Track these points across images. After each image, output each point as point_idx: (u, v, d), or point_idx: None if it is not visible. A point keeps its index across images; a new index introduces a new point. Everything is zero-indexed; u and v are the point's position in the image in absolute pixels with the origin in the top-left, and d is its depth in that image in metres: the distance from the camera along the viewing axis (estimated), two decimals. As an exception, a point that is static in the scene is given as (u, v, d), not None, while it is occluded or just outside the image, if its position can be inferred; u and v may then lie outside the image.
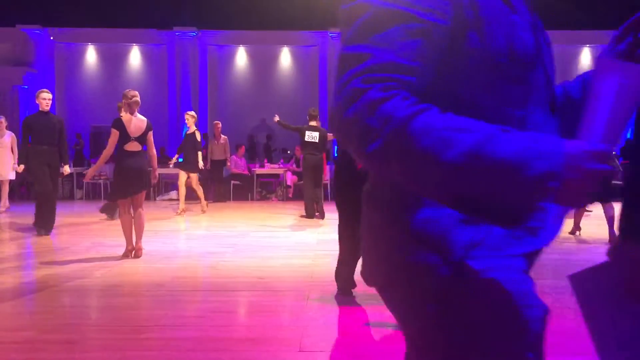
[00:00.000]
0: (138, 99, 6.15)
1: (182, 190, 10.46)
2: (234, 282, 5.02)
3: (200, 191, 10.55)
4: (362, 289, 4.34)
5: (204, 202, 10.62)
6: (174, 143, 17.57)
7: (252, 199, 13.65)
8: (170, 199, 13.59)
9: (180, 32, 17.29)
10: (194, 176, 10.37)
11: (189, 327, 3.71)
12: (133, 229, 6.06)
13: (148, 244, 6.31)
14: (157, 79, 17.69)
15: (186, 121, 10.39)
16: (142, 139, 6.11)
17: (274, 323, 3.84)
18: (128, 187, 5.96)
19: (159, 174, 13.81)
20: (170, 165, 14.46)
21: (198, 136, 10.37)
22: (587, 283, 1.28)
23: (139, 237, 6.08)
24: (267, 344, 3.40)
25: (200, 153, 10.40)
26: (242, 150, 14.08)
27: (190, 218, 10.06)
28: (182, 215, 10.20)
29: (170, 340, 3.49)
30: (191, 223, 9.44)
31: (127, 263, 5.82)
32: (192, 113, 10.44)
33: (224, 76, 18.00)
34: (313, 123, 9.82)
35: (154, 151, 6.43)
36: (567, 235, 7.60)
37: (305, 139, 9.68)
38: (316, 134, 9.70)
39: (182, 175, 10.34)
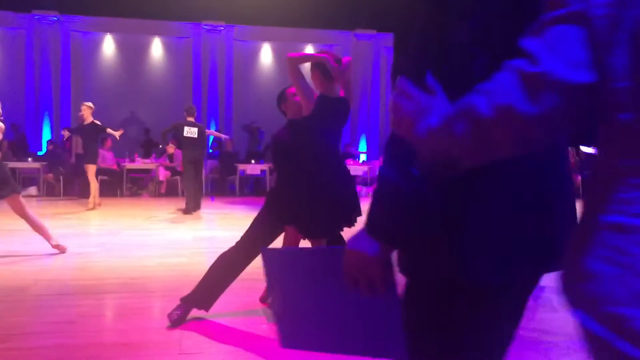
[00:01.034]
0: None
1: (93, 184, 10.14)
2: (105, 284, 4.77)
3: (94, 185, 10.20)
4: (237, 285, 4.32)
5: (97, 197, 10.25)
6: (31, 135, 16.30)
7: (121, 196, 13.04)
8: (29, 195, 12.61)
9: (39, 15, 16.03)
10: (92, 167, 10.02)
11: (57, 334, 3.47)
12: None
13: (4, 244, 5.81)
14: (13, 66, 16.28)
15: (82, 112, 10.08)
16: None
17: (150, 326, 3.70)
18: None
19: (15, 168, 12.89)
20: (30, 160, 13.44)
21: (98, 122, 10.08)
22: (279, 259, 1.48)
23: (47, 237, 5.72)
24: (144, 348, 3.27)
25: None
26: (108, 143, 13.35)
27: (54, 216, 9.40)
28: (97, 209, 10.05)
29: (36, 349, 3.24)
30: (54, 221, 8.82)
31: (-18, 267, 5.32)
32: (89, 104, 10.19)
33: (90, 65, 16.97)
34: (191, 119, 9.92)
35: None
36: None
37: (185, 134, 9.72)
38: (195, 130, 9.79)
39: (90, 169, 10.06)
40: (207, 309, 3.71)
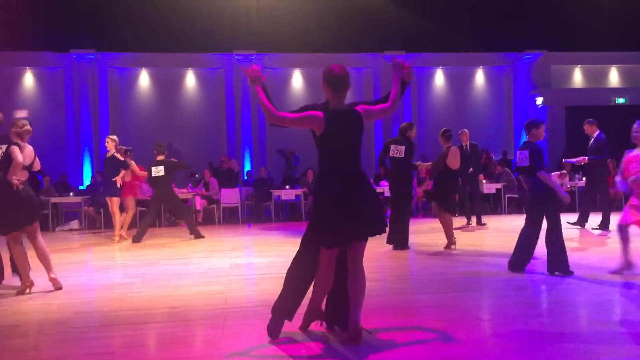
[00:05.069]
0: (29, 127, 5.86)
1: (117, 216, 10.10)
2: (145, 314, 4.78)
3: (117, 217, 10.12)
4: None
5: (118, 230, 10.15)
6: (73, 170, 16.73)
7: (159, 226, 13.21)
8: (71, 229, 12.89)
9: (77, 54, 16.57)
10: (115, 200, 10.00)
11: (98, 366, 3.47)
12: (28, 263, 5.69)
13: (44, 279, 5.87)
14: (54, 103, 16.82)
15: (106, 144, 10.13)
16: (29, 167, 5.86)
17: (189, 354, 3.68)
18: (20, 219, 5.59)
19: (58, 203, 13.19)
20: (71, 194, 13.76)
21: (119, 157, 10.01)
22: None
23: (48, 268, 5.77)
24: (184, 378, 3.25)
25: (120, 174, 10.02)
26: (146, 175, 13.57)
27: (94, 248, 9.56)
28: (120, 242, 10.02)
29: (77, 381, 3.24)
30: (94, 254, 8.97)
31: (24, 300, 5.41)
32: (113, 137, 10.18)
33: (127, 100, 17.41)
34: (161, 157, 10.22)
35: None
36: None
37: (152, 175, 10.08)
38: (161, 168, 10.08)
39: (113, 201, 10.04)
40: (289, 318, 3.91)
